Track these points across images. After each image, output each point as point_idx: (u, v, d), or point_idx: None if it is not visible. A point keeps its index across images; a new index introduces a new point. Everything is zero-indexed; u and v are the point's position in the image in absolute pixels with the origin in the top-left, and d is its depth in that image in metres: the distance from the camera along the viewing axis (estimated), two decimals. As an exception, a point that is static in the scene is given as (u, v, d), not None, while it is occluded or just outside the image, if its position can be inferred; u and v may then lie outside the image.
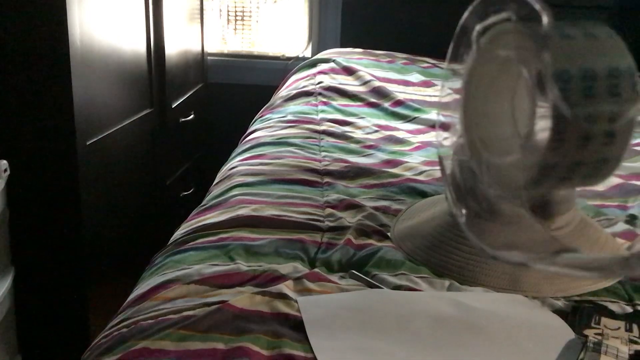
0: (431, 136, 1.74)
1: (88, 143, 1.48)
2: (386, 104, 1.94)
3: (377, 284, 0.91)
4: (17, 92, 1.38)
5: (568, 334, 0.81)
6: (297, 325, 0.79)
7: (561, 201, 0.99)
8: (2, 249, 1.30)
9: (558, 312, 0.87)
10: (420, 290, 0.90)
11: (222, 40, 2.67)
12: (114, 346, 0.75)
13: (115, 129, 1.65)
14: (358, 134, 1.69)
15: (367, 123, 1.79)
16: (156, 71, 1.94)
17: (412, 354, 0.75)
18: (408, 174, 1.39)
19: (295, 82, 2.12)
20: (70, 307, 1.49)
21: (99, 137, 1.54)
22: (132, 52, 1.79)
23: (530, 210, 0.98)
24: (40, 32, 1.36)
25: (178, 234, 1.09)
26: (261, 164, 1.41)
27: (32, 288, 1.44)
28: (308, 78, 2.11)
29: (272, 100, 2.07)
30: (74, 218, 1.45)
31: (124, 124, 1.71)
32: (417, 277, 0.94)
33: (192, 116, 2.25)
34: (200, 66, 2.47)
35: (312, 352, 0.74)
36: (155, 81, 1.94)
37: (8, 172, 1.29)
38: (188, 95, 2.27)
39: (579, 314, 0.85)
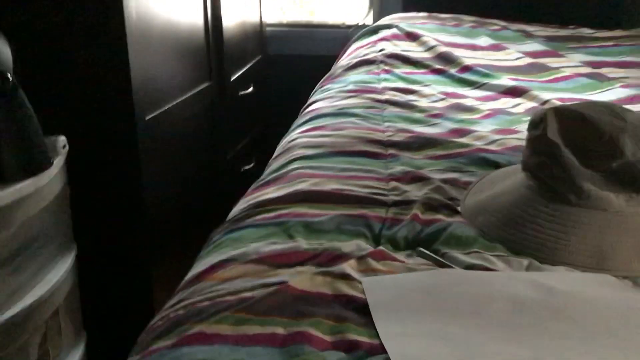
0: (502, 103, 1.64)
1: (147, 118, 1.46)
2: (453, 70, 1.84)
3: (447, 262, 0.84)
4: (74, 68, 1.37)
5: (666, 319, 0.72)
6: (361, 308, 0.73)
7: (654, 170, 0.89)
8: (64, 226, 1.30)
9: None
10: (496, 270, 0.82)
11: (280, 10, 2.61)
12: (169, 329, 0.72)
13: (174, 103, 1.62)
14: (423, 103, 1.60)
15: (432, 91, 1.70)
16: (214, 44, 1.91)
17: (488, 341, 0.68)
18: (478, 144, 1.30)
19: (356, 51, 2.05)
20: (134, 284, 1.49)
21: (158, 112, 1.52)
22: (189, 25, 1.75)
23: (620, 183, 0.89)
24: (95, 6, 1.34)
25: (236, 210, 1.05)
26: (322, 135, 1.35)
27: (95, 265, 1.44)
28: (369, 46, 2.03)
29: (332, 70, 2.00)
30: (135, 194, 1.43)
31: (182, 98, 1.68)
32: (491, 255, 0.86)
33: (251, 89, 2.21)
34: (259, 37, 2.42)
35: (378, 337, 0.68)
36: (213, 54, 1.90)
37: (67, 148, 1.28)
38: (247, 67, 2.23)
39: (679, 296, 0.76)
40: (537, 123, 0.97)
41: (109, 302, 1.48)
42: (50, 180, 1.19)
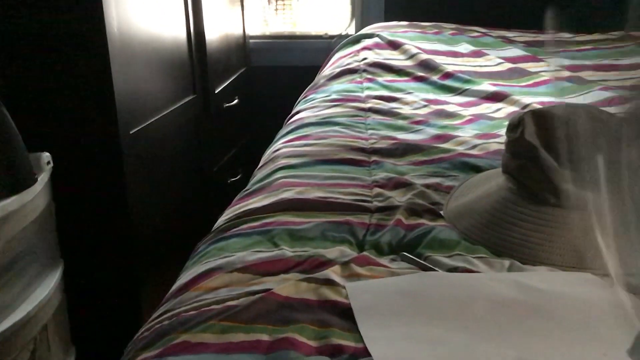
0: (484, 108, 1.66)
1: (131, 132, 1.46)
2: (434, 77, 1.86)
3: (430, 266, 0.85)
4: (56, 85, 1.37)
5: (645, 315, 0.74)
6: (345, 313, 0.74)
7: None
8: (50, 242, 1.30)
9: (632, 291, 0.79)
10: (478, 272, 0.84)
11: (263, 22, 2.62)
12: (154, 340, 0.72)
13: (158, 117, 1.62)
14: (406, 110, 1.62)
15: (415, 98, 1.72)
16: (197, 57, 1.91)
17: (471, 342, 0.69)
18: (460, 149, 1.31)
19: (339, 60, 2.06)
20: (122, 298, 1.48)
21: (142, 125, 1.52)
22: (172, 39, 1.76)
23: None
24: (77, 22, 1.34)
25: (221, 220, 1.06)
26: (306, 145, 1.36)
27: (82, 280, 1.44)
28: (352, 55, 2.04)
29: (316, 80, 2.02)
30: (120, 208, 1.43)
31: (167, 111, 1.68)
32: (474, 257, 0.87)
33: (236, 101, 2.22)
34: (242, 50, 2.43)
35: (363, 341, 0.69)
36: (197, 67, 1.91)
37: (51, 165, 1.28)
38: (231, 79, 2.24)
39: (657, 292, 0.77)
40: (515, 126, 0.98)
41: (98, 316, 1.48)
42: (35, 196, 1.19)
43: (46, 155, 1.26)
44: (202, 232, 1.19)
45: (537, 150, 0.93)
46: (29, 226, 1.19)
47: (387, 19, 2.36)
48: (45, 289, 1.24)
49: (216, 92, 2.06)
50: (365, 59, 1.98)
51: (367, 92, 1.75)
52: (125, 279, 1.47)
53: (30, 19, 1.34)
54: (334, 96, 1.74)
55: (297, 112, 1.69)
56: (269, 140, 1.57)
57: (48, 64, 1.36)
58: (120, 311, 1.48)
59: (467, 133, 1.43)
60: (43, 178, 1.24)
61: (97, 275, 1.46)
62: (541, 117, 0.97)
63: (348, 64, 1.98)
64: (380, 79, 1.86)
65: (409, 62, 1.95)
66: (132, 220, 1.45)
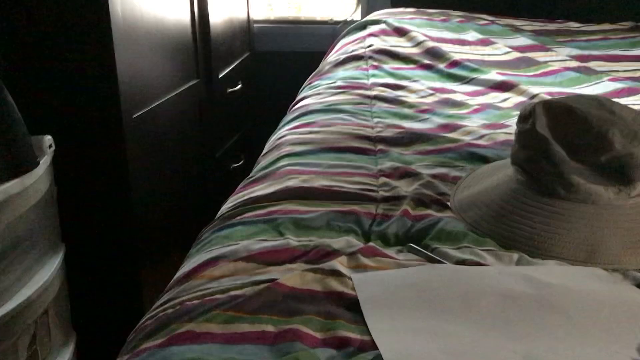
0: (491, 97, 1.64)
1: (134, 116, 1.44)
2: (441, 65, 1.84)
3: (438, 258, 0.84)
4: (59, 67, 1.35)
5: (656, 311, 0.72)
6: (352, 305, 0.73)
7: (643, 163, 0.89)
8: (51, 226, 1.29)
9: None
10: (486, 265, 0.82)
11: (268, 6, 2.60)
12: (158, 329, 0.71)
13: (161, 101, 1.61)
14: (412, 98, 1.60)
15: (421, 86, 1.70)
16: (201, 41, 1.89)
17: (479, 336, 0.68)
18: (467, 139, 1.30)
19: (344, 47, 2.04)
20: (123, 283, 1.47)
21: (145, 110, 1.51)
22: (176, 22, 1.74)
23: (609, 176, 0.89)
24: (81, 6, 1.32)
25: (225, 207, 1.05)
26: (310, 132, 1.34)
27: (83, 265, 1.43)
28: (357, 41, 2.02)
29: (320, 66, 2.00)
30: (122, 193, 1.42)
31: (170, 96, 1.67)
32: (482, 250, 0.86)
33: (239, 86, 2.20)
34: (247, 34, 2.40)
35: (369, 334, 0.68)
36: (200, 51, 1.89)
37: (53, 148, 1.26)
38: (235, 64, 2.22)
39: (668, 288, 0.76)
40: (526, 117, 0.96)
41: (99, 301, 1.47)
42: (36, 180, 1.18)
43: (48, 139, 1.25)
44: (204, 217, 1.18)
45: (548, 142, 0.91)
46: (30, 210, 1.18)
47: (394, 5, 2.33)
48: (46, 273, 1.23)
49: (220, 76, 2.04)
50: (371, 45, 1.96)
51: (372, 80, 1.74)
52: (127, 264, 1.46)
53: (34, 2, 1.32)
54: (339, 83, 1.72)
55: (302, 99, 1.68)
56: (273, 126, 1.55)
57: (51, 47, 1.34)
58: (121, 297, 1.47)
59: (474, 123, 1.42)
60: (45, 161, 1.22)
61: (98, 260, 1.45)
62: (553, 109, 0.96)
63: (353, 51, 1.96)
64: (386, 66, 1.84)
65: (415, 50, 1.93)
66: (134, 205, 1.44)
